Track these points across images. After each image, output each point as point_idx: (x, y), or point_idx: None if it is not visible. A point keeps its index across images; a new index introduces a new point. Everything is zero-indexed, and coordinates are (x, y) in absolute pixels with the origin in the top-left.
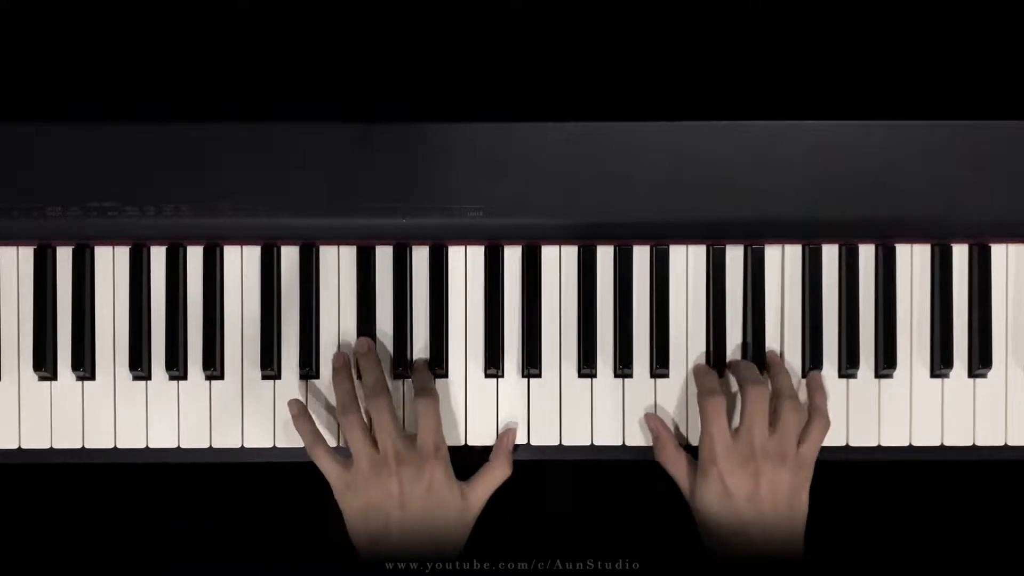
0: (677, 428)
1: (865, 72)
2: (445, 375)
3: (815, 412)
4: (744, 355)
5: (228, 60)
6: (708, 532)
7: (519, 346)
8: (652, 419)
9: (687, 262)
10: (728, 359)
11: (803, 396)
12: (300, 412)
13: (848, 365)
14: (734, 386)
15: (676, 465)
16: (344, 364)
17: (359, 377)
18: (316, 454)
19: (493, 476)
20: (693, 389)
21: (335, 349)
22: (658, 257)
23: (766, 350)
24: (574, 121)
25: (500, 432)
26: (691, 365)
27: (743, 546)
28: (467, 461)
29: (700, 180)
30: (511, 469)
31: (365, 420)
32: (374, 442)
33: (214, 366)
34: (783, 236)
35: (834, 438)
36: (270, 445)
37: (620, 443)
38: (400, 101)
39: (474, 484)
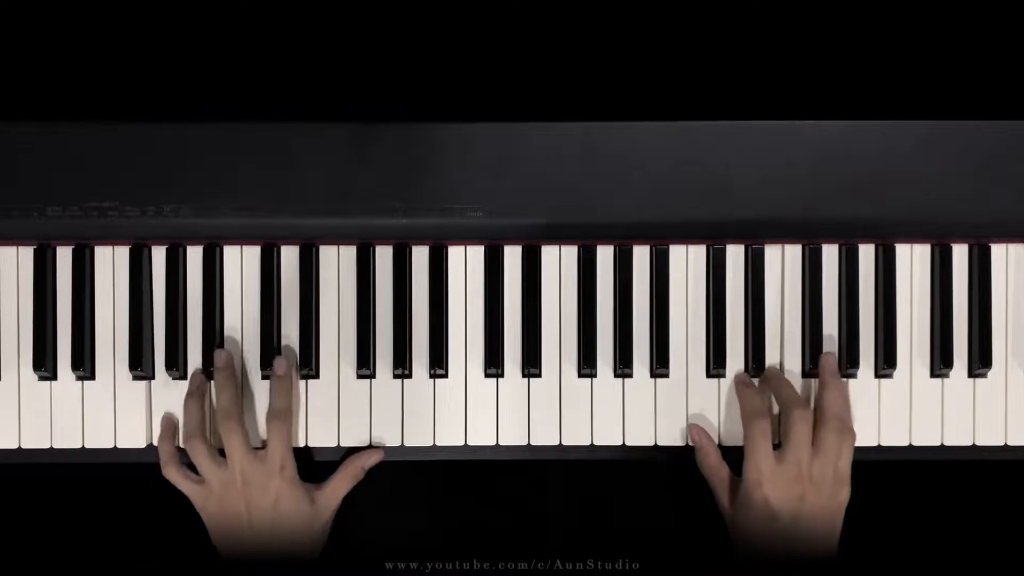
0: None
1: (865, 72)
2: (445, 375)
3: (844, 427)
4: (744, 355)
5: (228, 60)
6: (745, 546)
7: (519, 346)
8: (695, 429)
9: (687, 262)
10: (767, 366)
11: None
12: (166, 430)
13: (848, 365)
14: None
15: (718, 477)
16: (199, 388)
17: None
18: (169, 473)
19: (336, 490)
20: (693, 390)
21: (335, 349)
22: (658, 257)
23: (767, 350)
24: (574, 121)
25: (365, 451)
26: (691, 366)
27: (781, 554)
28: (468, 460)
29: (700, 180)
30: (355, 483)
31: (211, 445)
32: (222, 463)
33: (212, 366)
34: (783, 236)
35: None
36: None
37: (620, 443)
38: (400, 101)
39: (324, 488)
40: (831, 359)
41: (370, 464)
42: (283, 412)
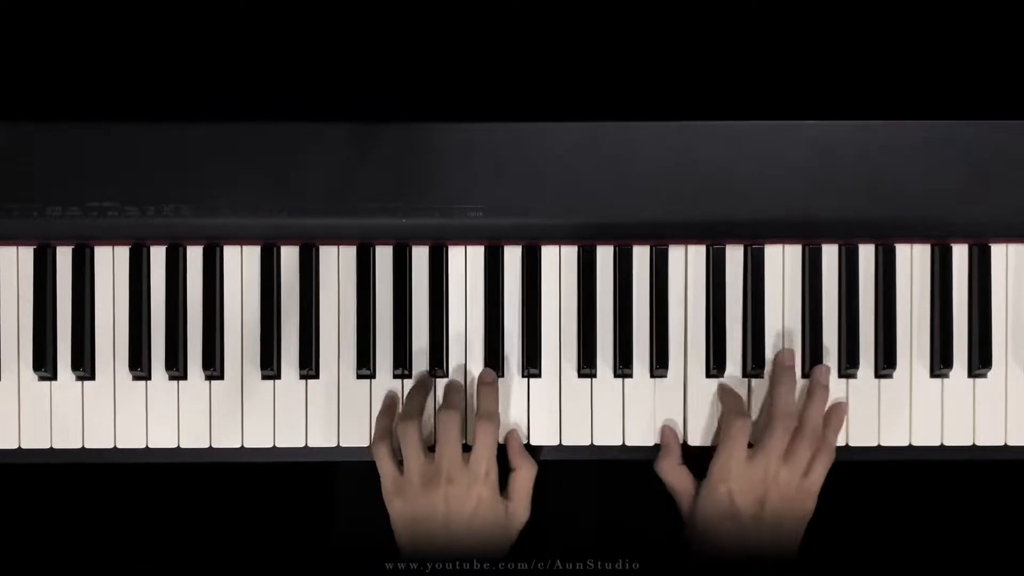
0: (676, 428)
1: (865, 72)
2: (445, 375)
3: (823, 446)
4: (744, 355)
5: (228, 60)
6: (704, 541)
7: (519, 346)
8: (667, 430)
9: (687, 262)
10: (770, 358)
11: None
12: (388, 406)
13: (848, 365)
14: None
15: (677, 477)
16: (424, 383)
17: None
18: (378, 450)
19: (524, 480)
20: (692, 390)
21: (335, 349)
22: (658, 257)
23: (766, 350)
24: (574, 121)
25: (506, 437)
26: (690, 365)
27: (737, 552)
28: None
29: (700, 180)
30: (535, 464)
31: (422, 434)
32: (429, 456)
33: (214, 366)
34: (783, 236)
35: None
36: (270, 445)
37: (620, 443)
38: (400, 101)
39: (512, 498)
40: (823, 372)
41: (519, 442)
42: (492, 415)
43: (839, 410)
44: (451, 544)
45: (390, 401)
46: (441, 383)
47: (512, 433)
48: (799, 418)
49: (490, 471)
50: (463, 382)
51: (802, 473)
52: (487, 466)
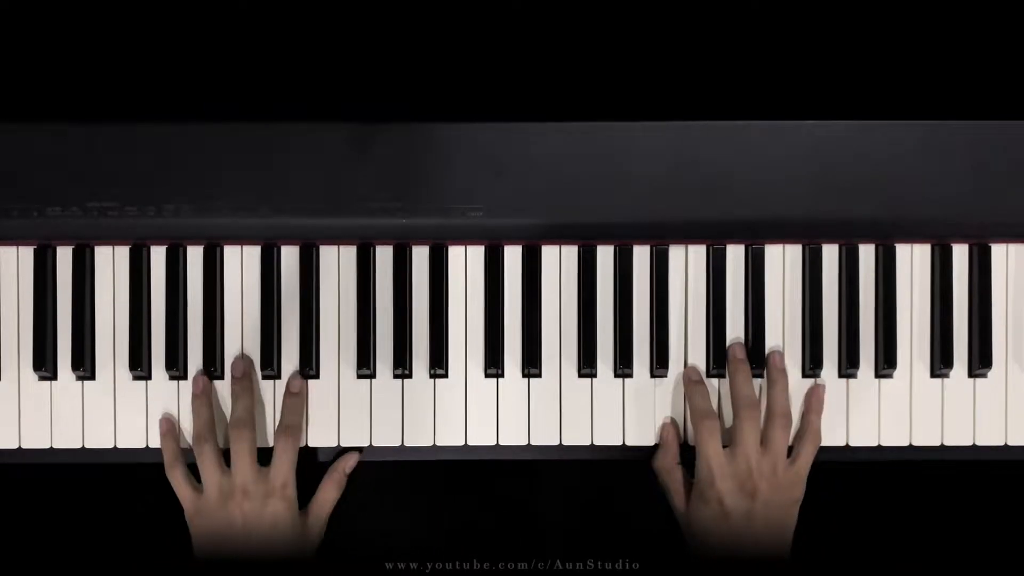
0: (677, 426)
1: (865, 72)
2: (445, 375)
3: (808, 430)
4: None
5: (228, 60)
6: (700, 543)
7: (519, 346)
8: (667, 427)
9: (687, 262)
10: (728, 344)
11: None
12: (167, 431)
13: (848, 365)
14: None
15: (672, 477)
16: (204, 389)
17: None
18: (173, 475)
19: (324, 502)
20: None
21: (335, 349)
22: (658, 257)
23: (767, 350)
24: (574, 121)
25: (342, 458)
26: (690, 367)
27: (733, 553)
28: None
29: (700, 180)
30: (341, 489)
31: (219, 449)
32: (226, 471)
33: (214, 366)
34: (783, 236)
35: (834, 438)
36: (270, 445)
37: (620, 443)
38: (400, 101)
39: (310, 514)
40: (777, 356)
41: (350, 468)
42: (294, 428)
43: (817, 392)
44: (250, 557)
45: (168, 425)
46: (442, 382)
47: (350, 458)
48: (767, 405)
49: (287, 484)
50: (252, 383)
51: (786, 458)
52: (284, 479)
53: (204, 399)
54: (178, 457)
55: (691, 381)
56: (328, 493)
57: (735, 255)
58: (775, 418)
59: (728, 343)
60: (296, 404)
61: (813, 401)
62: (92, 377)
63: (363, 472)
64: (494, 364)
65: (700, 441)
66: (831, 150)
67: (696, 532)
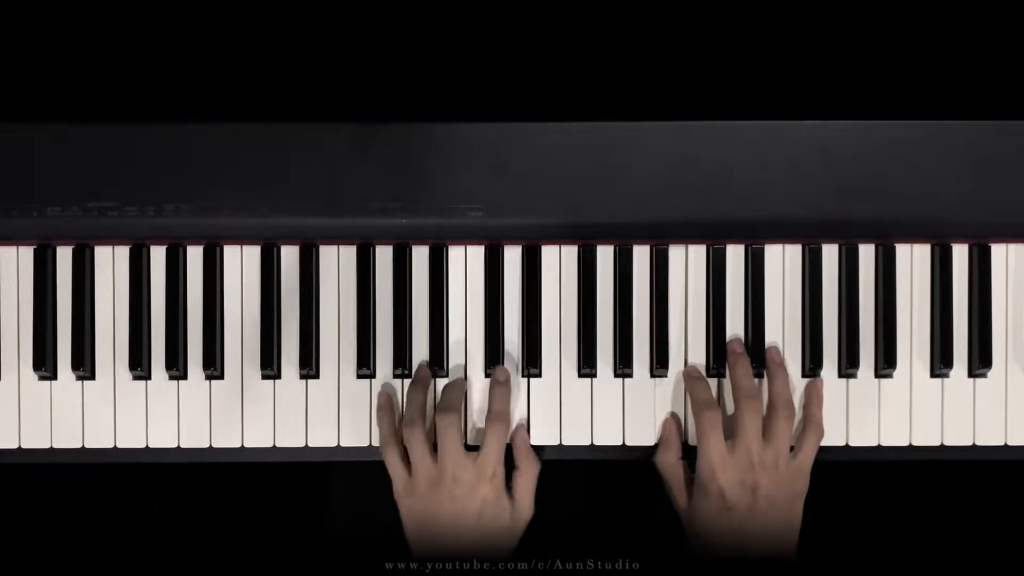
0: (679, 421)
1: (865, 72)
2: (446, 375)
3: (810, 422)
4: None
5: (228, 60)
6: (703, 540)
7: (519, 346)
8: (668, 423)
9: (687, 262)
10: (728, 355)
11: (799, 396)
12: (385, 404)
13: (848, 365)
14: (725, 385)
15: (674, 473)
16: (423, 379)
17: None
18: (387, 452)
19: (527, 480)
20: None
21: (335, 349)
22: (658, 257)
23: (766, 346)
24: (574, 121)
25: (513, 434)
26: (690, 365)
27: (738, 552)
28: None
29: (700, 180)
30: (538, 462)
31: (428, 435)
32: (435, 456)
33: (214, 366)
34: (783, 236)
35: (834, 438)
36: (270, 445)
37: (620, 443)
38: (400, 101)
39: (516, 496)
40: (775, 352)
41: (528, 439)
42: (503, 415)
43: (816, 385)
44: (458, 543)
45: (386, 400)
46: (441, 382)
47: (519, 431)
48: (769, 397)
49: (497, 471)
50: (464, 379)
51: (789, 450)
52: (494, 467)
53: (421, 387)
54: (393, 434)
55: (691, 377)
56: (528, 470)
57: (735, 255)
58: (778, 409)
59: (727, 339)
60: (504, 392)
61: (812, 394)
62: (92, 377)
63: (363, 472)
64: (494, 364)
65: (701, 433)
66: (831, 150)
67: (699, 528)
